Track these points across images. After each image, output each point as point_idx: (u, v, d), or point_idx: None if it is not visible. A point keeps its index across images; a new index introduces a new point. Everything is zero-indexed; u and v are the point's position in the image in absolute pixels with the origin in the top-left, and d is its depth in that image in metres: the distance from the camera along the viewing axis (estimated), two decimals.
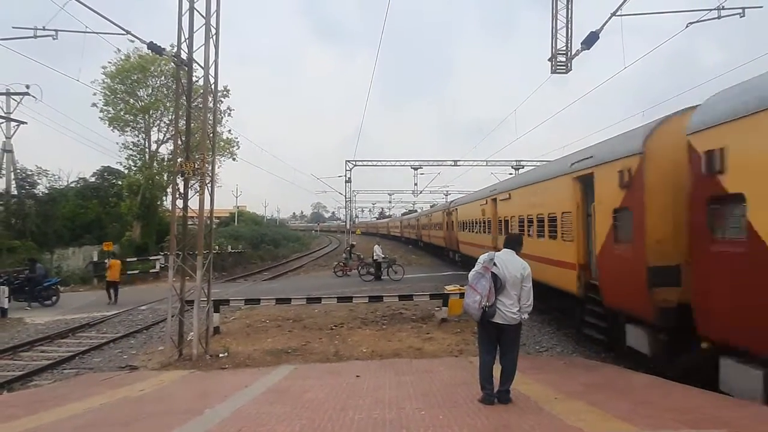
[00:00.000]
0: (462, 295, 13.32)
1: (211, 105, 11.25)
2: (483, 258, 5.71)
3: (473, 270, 5.69)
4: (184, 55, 10.38)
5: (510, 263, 5.60)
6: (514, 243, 5.92)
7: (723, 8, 13.27)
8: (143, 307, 16.98)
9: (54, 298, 18.63)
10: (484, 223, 19.49)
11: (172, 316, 10.22)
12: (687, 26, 13.84)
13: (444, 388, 6.75)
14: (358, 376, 7.75)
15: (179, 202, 10.63)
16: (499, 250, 6.04)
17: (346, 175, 45.17)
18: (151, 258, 28.97)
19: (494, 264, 5.55)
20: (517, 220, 14.79)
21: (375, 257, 24.32)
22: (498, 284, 5.48)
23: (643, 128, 8.01)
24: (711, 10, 13.33)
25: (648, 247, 7.22)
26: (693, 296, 6.44)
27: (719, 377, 5.99)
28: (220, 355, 10.18)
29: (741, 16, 13.57)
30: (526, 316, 5.70)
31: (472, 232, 22.18)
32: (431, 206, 52.07)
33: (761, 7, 13.87)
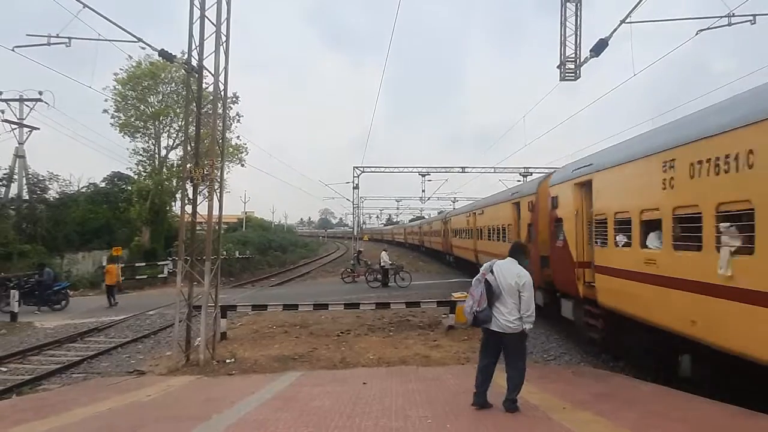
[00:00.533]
0: None
1: (220, 111, 11.34)
2: (484, 266, 5.82)
3: (475, 277, 5.80)
4: (194, 62, 10.48)
5: (507, 271, 5.62)
6: (516, 251, 5.91)
7: (734, 15, 13.20)
8: (151, 312, 17.07)
9: (63, 302, 18.77)
10: (469, 231, 24.47)
11: (180, 322, 10.26)
12: (697, 33, 13.78)
13: (451, 396, 6.72)
14: (364, 383, 7.73)
15: (188, 208, 10.71)
16: (482, 256, 6.87)
17: (353, 182, 45.27)
18: (159, 263, 29.14)
19: (491, 271, 5.64)
20: (487, 229, 20.43)
21: (382, 264, 24.30)
22: (491, 292, 5.53)
23: (536, 180, 15.44)
24: (722, 17, 13.26)
25: (539, 245, 12.55)
26: (552, 272, 11.99)
27: (561, 309, 11.50)
28: (227, 360, 10.20)
29: (752, 23, 13.49)
30: (528, 326, 5.57)
31: (461, 238, 27.11)
32: (438, 212, 52.09)
33: None
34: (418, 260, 41.26)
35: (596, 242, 9.47)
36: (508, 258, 5.82)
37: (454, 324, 12.79)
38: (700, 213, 6.09)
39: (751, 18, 13.42)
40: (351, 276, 26.41)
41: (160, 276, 28.00)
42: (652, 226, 7.41)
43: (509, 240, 15.26)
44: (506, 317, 5.51)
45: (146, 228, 33.52)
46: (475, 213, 23.10)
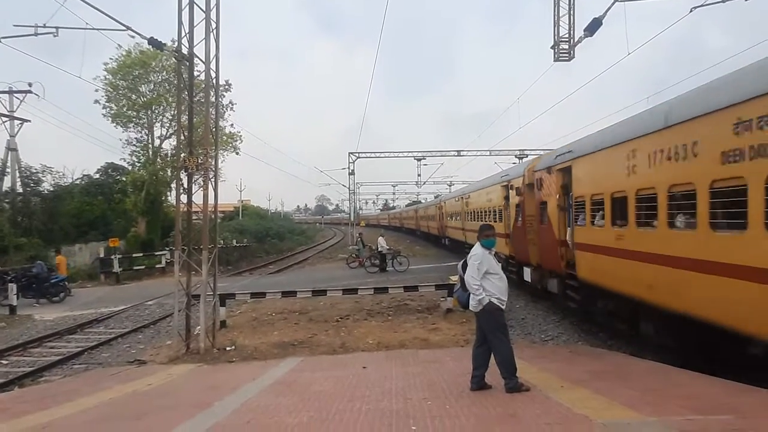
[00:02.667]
0: None
1: (213, 99, 11.25)
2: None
3: None
4: (185, 50, 10.36)
5: (471, 253, 5.95)
6: (479, 233, 6.11)
7: None
8: (150, 302, 17.10)
9: (62, 294, 18.78)
10: (459, 214, 26.62)
11: (179, 311, 10.30)
12: (691, 11, 13.67)
13: (450, 378, 6.78)
14: (364, 367, 7.80)
15: (183, 198, 10.66)
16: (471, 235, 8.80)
17: (349, 167, 45.18)
18: (156, 253, 29.13)
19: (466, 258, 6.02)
20: (476, 211, 22.32)
21: (380, 249, 24.35)
22: (460, 275, 5.98)
23: (524, 163, 17.40)
24: None
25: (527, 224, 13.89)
26: (539, 251, 12.96)
27: (523, 275, 14.10)
28: (227, 348, 10.25)
29: (746, 0, 13.38)
30: (475, 300, 5.67)
31: (453, 220, 29.36)
32: (435, 196, 52.15)
33: None
34: (414, 245, 41.38)
35: (576, 222, 10.34)
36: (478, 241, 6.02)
37: (452, 307, 12.86)
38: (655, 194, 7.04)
39: None
40: (357, 261, 26.38)
41: (157, 266, 28.00)
42: (622, 206, 8.16)
43: (496, 221, 17.53)
44: (473, 297, 5.78)
45: (142, 218, 33.44)
46: (464, 198, 25.32)
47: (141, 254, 28.60)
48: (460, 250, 26.00)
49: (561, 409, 5.02)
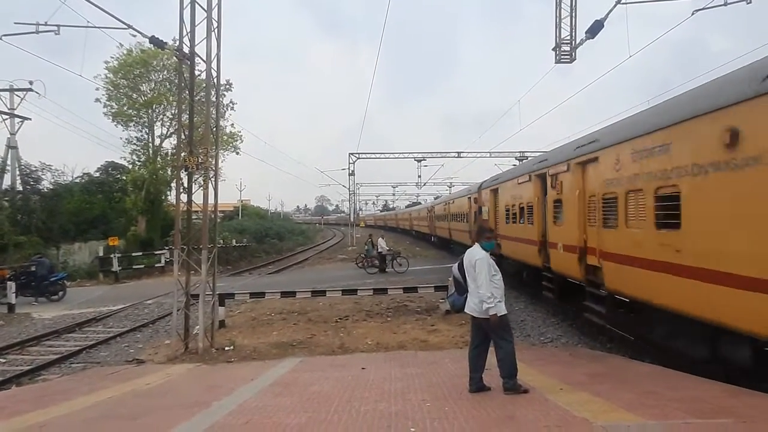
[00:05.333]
0: None
1: (213, 99, 11.23)
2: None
3: None
4: (186, 49, 10.35)
5: (468, 255, 5.82)
6: (476, 234, 6.08)
7: None
8: (149, 302, 17.09)
9: (61, 293, 18.76)
10: (445, 216, 31.87)
11: (178, 310, 10.28)
12: (693, 14, 13.69)
13: (449, 379, 6.77)
14: (363, 368, 7.79)
15: (183, 197, 10.65)
16: (454, 232, 17.55)
17: (349, 168, 45.18)
18: (156, 252, 29.11)
19: (461, 261, 5.90)
20: (455, 215, 27.97)
21: (379, 250, 24.34)
22: (457, 278, 5.91)
23: (480, 183, 21.66)
24: None
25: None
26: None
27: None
28: (226, 348, 10.24)
29: (748, 3, 13.40)
30: (486, 305, 5.46)
31: (441, 221, 34.22)
32: (435, 198, 52.37)
33: None
34: (414, 246, 41.35)
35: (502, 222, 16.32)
36: (475, 243, 5.93)
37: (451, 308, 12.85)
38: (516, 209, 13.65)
39: None
40: (364, 261, 26.14)
41: (157, 265, 27.98)
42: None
43: (467, 221, 24.12)
44: (473, 300, 5.70)
45: (142, 217, 33.41)
46: (448, 203, 31.36)
47: (140, 253, 28.57)
48: (446, 246, 33.03)
49: (560, 412, 5.00)
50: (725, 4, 13.19)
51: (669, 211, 6.53)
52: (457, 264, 6.00)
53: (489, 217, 17.87)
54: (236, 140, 37.38)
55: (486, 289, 5.49)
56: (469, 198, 23.27)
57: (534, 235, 12.59)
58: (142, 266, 27.40)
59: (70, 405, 6.50)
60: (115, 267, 25.19)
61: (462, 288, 5.87)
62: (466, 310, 5.82)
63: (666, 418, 4.62)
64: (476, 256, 5.69)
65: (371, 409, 5.48)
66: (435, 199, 49.10)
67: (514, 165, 36.48)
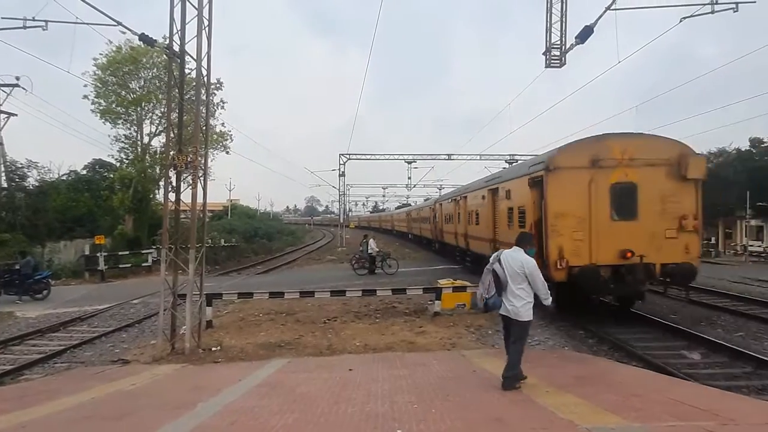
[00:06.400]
0: (454, 289, 13.47)
1: (203, 97, 11.17)
2: (493, 256, 6.28)
3: (486, 267, 6.30)
4: (176, 47, 10.28)
5: (512, 260, 6.00)
6: (521, 241, 6.26)
7: (717, 2, 13.32)
8: (135, 301, 16.92)
9: (45, 291, 18.51)
10: (428, 219, 36.01)
11: (165, 310, 10.19)
12: (681, 21, 13.88)
13: (436, 381, 6.79)
14: (350, 369, 7.77)
15: (171, 196, 10.56)
16: (439, 237, 28.31)
17: (339, 169, 45.14)
18: (143, 251, 28.85)
19: (498, 261, 6.09)
20: (440, 218, 30.45)
21: (369, 251, 24.31)
22: (498, 280, 6.02)
23: (436, 197, 38.46)
24: (705, 4, 13.37)
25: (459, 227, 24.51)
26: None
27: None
28: (213, 348, 10.16)
29: (734, 11, 13.62)
30: (546, 302, 6.02)
31: (421, 224, 40.59)
32: (425, 200, 52.77)
33: (755, 1, 13.93)
34: (403, 247, 41.40)
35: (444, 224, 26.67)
36: (514, 247, 6.18)
37: (439, 310, 12.88)
38: (473, 213, 20.31)
39: (733, 6, 13.54)
40: (359, 262, 25.93)
41: (144, 264, 27.72)
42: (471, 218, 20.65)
43: (430, 222, 34.21)
44: (512, 303, 5.93)
45: (129, 216, 33.10)
46: (434, 207, 34.74)
47: (127, 252, 28.28)
48: (429, 246, 37.68)
49: (546, 414, 5.04)
50: (712, 12, 13.40)
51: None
52: (493, 265, 6.13)
53: (451, 221, 25.99)
54: (226, 139, 37.15)
55: (546, 291, 6.01)
56: (431, 207, 34.11)
57: (487, 234, 17.88)
58: (129, 265, 27.12)
59: (53, 405, 6.42)
60: (101, 266, 24.90)
61: (501, 288, 6.05)
62: (501, 311, 6.07)
63: (650, 421, 4.67)
64: (528, 262, 5.95)
65: (358, 410, 5.48)
66: (416, 204, 57.27)
67: (504, 168, 37.89)
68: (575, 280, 11.17)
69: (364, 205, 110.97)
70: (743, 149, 43.76)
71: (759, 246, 38.56)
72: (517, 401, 5.59)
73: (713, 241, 44.24)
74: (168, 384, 7.87)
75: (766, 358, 8.99)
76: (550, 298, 6.08)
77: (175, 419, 5.41)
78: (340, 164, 44.70)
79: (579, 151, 11.92)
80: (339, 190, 47.66)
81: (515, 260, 5.97)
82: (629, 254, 11.33)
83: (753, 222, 41.02)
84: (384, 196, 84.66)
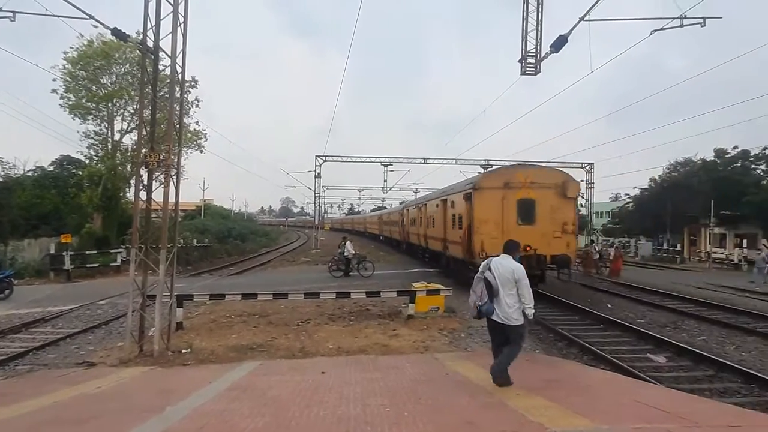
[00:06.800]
0: (428, 292, 13.53)
1: (177, 95, 10.96)
2: (483, 264, 6.45)
3: (476, 275, 6.44)
4: (150, 43, 10.07)
5: (502, 267, 6.23)
6: (509, 248, 6.51)
7: (686, 17, 13.75)
8: (102, 302, 16.48)
9: (7, 291, 17.87)
10: (397, 222, 39.31)
11: (133, 311, 9.95)
12: (651, 33, 14.29)
13: (409, 384, 6.79)
14: (323, 372, 7.72)
15: (143, 194, 10.33)
16: (406, 238, 33.24)
17: (315, 170, 44.90)
18: (112, 251, 28.15)
19: (489, 269, 6.28)
20: (406, 222, 33.60)
21: (345, 253, 24.23)
22: (490, 287, 6.18)
23: (402, 205, 42.11)
24: (674, 18, 13.80)
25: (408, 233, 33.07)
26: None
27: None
28: (183, 351, 9.97)
29: (702, 26, 14.08)
30: (529, 311, 6.14)
31: (390, 226, 44.52)
32: (400, 203, 53.09)
33: (721, 17, 14.44)
34: (378, 250, 41.41)
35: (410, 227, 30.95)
36: (503, 254, 6.42)
37: (413, 313, 12.92)
38: (431, 218, 24.52)
39: (701, 21, 14.00)
40: (338, 265, 25.66)
41: (112, 264, 27.03)
42: (430, 222, 24.88)
43: (399, 225, 37.35)
44: (505, 309, 6.14)
45: (98, 214, 32.25)
46: (402, 211, 37.72)
47: (95, 251, 27.54)
48: (398, 246, 40.78)
49: (516, 417, 5.09)
50: (681, 26, 13.82)
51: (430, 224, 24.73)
52: (484, 272, 6.30)
53: (415, 224, 29.97)
54: (200, 138, 36.57)
55: (531, 298, 6.16)
56: (401, 212, 37.83)
57: (440, 234, 22.24)
58: (97, 265, 26.41)
59: (13, 409, 6.19)
60: (68, 265, 24.17)
61: (493, 295, 6.20)
62: (493, 317, 6.22)
63: (617, 423, 4.77)
64: (518, 267, 6.19)
65: (330, 413, 5.44)
66: (390, 207, 60.16)
67: (478, 173, 39.15)
68: None
69: (339, 207, 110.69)
70: (708, 159, 45.25)
71: (722, 253, 39.88)
72: (488, 404, 5.63)
73: (679, 248, 45.61)
74: (135, 387, 7.67)
75: (727, 362, 9.31)
76: (533, 308, 6.22)
77: (142, 423, 5.28)
78: (316, 166, 44.45)
79: (496, 177, 17.58)
80: (314, 191, 47.37)
81: (505, 267, 6.19)
82: (528, 248, 15.94)
83: (717, 230, 42.43)
84: (360, 198, 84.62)
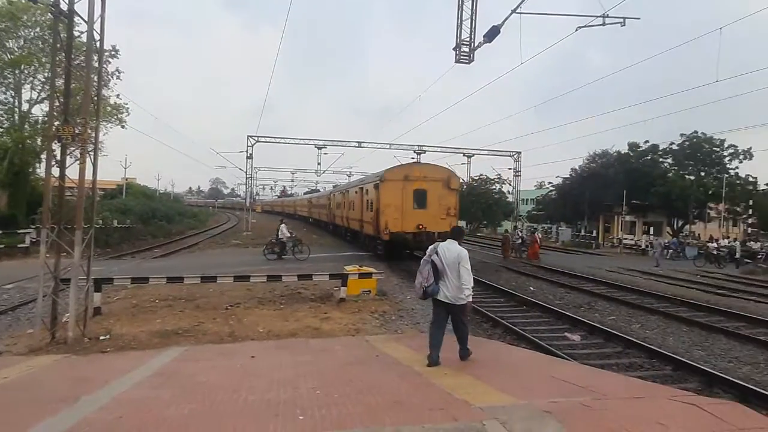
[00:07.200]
0: (360, 275, 13.64)
1: (95, 65, 10.18)
2: (429, 248, 6.77)
3: (423, 257, 6.74)
4: (64, 6, 9.26)
5: (449, 251, 6.60)
6: (455, 234, 6.99)
7: (608, 16, 14.54)
8: (9, 286, 15.20)
9: None
10: (325, 205, 42.96)
11: (45, 296, 9.27)
12: (576, 30, 14.99)
13: (340, 367, 6.84)
14: (253, 356, 7.60)
15: (55, 171, 9.57)
16: (332, 219, 37.07)
17: (247, 151, 43.61)
18: (19, 231, 25.97)
19: (436, 253, 6.61)
20: (333, 205, 37.56)
21: (281, 236, 23.83)
22: (436, 269, 6.53)
23: (329, 190, 46.62)
24: (597, 16, 14.56)
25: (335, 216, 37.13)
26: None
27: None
28: (101, 337, 9.43)
29: (622, 25, 14.96)
30: (467, 292, 6.47)
31: (319, 209, 48.06)
32: (334, 186, 52.99)
33: (639, 18, 15.41)
34: (311, 233, 41.08)
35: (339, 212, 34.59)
36: (449, 240, 6.79)
37: (345, 296, 12.98)
38: (352, 203, 28.93)
39: (621, 20, 14.87)
40: (270, 247, 24.98)
41: (20, 246, 24.94)
42: (351, 206, 29.34)
43: (326, 208, 41.10)
44: (451, 290, 6.50)
45: (3, 191, 29.56)
46: (330, 196, 41.43)
47: (0, 232, 25.29)
48: (326, 227, 43.45)
49: (443, 395, 5.28)
50: (603, 24, 14.61)
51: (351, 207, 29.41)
52: (431, 255, 6.60)
53: (339, 208, 33.95)
54: (121, 112, 34.23)
55: (470, 281, 6.50)
56: (328, 197, 42.09)
57: (358, 216, 26.84)
58: (2, 246, 24.26)
59: None
60: None
61: (438, 277, 6.55)
62: (439, 297, 6.56)
63: (535, 398, 5.07)
64: (462, 251, 6.56)
65: (259, 398, 5.38)
66: (323, 191, 61.46)
67: (412, 158, 40.17)
68: (393, 239, 21.85)
69: (272, 189, 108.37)
70: (623, 152, 48.52)
71: (632, 239, 43.15)
72: (416, 384, 5.80)
73: (594, 234, 48.79)
74: (46, 376, 7.18)
75: (633, 339, 10.16)
76: (471, 290, 6.54)
77: (53, 415, 4.95)
78: (248, 146, 43.17)
79: (398, 172, 22.89)
80: (246, 172, 46.04)
81: (451, 252, 6.56)
82: (421, 226, 21.75)
83: (628, 218, 45.78)
84: (293, 181, 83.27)
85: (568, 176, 52.95)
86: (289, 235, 24.39)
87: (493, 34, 14.46)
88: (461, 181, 22.29)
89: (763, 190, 43.50)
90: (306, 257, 23.17)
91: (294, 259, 22.96)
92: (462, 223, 42.20)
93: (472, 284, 6.59)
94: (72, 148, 9.61)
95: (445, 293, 6.54)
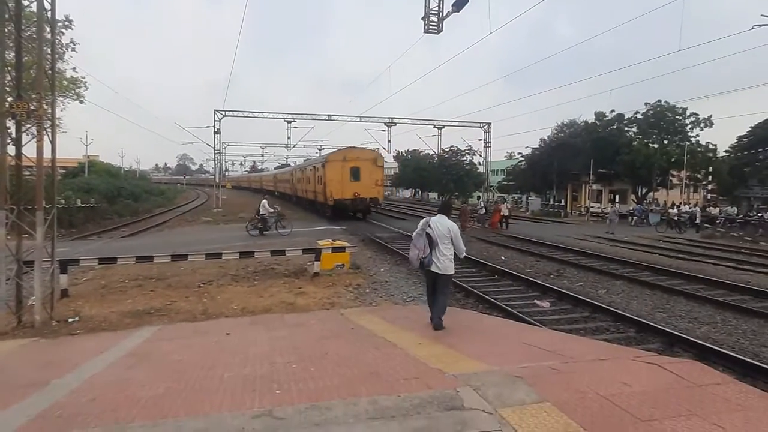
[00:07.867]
0: (333, 249, 13.65)
1: (48, 36, 9.66)
2: (422, 222, 7.19)
3: (415, 231, 7.18)
4: None
5: (440, 225, 7.05)
6: (444, 209, 7.45)
7: None
8: None
9: None
10: (289, 180, 50.44)
11: (7, 280, 8.98)
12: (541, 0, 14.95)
13: (315, 340, 6.89)
14: (228, 333, 7.57)
15: (11, 149, 9.15)
16: (294, 193, 46.42)
17: (214, 126, 42.59)
18: None
19: (429, 226, 7.03)
20: (295, 180, 46.29)
21: (262, 212, 23.61)
22: (431, 241, 6.96)
23: (291, 167, 59.66)
24: None
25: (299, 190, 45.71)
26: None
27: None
28: (70, 320, 9.24)
29: None
30: (461, 253, 7.21)
31: (284, 183, 54.62)
32: (305, 160, 52.67)
33: None
34: (288, 208, 40.76)
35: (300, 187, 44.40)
36: (439, 215, 7.25)
37: (319, 271, 13.00)
38: (308, 178, 39.19)
39: None
40: (252, 222, 24.44)
41: None
42: (308, 180, 39.01)
43: (290, 183, 49.66)
44: (441, 261, 6.96)
45: None
46: (292, 172, 49.16)
47: None
48: (289, 199, 49.91)
49: (418, 365, 5.39)
50: None
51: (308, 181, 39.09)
52: (424, 228, 7.03)
53: (300, 182, 42.20)
54: (79, 87, 32.72)
55: (462, 248, 7.19)
56: (290, 173, 50.30)
57: (313, 189, 35.95)
58: None
59: None
60: None
61: (431, 248, 6.98)
62: (431, 268, 6.98)
63: (506, 365, 5.22)
64: (453, 225, 7.13)
65: (235, 374, 5.38)
66: (291, 165, 67.28)
67: (382, 130, 40.96)
68: (336, 204, 30.95)
69: (241, 164, 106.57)
70: (590, 121, 49.27)
71: (598, 207, 44.26)
72: (391, 354, 5.89)
73: (563, 203, 49.83)
74: (13, 361, 7.02)
75: (599, 304, 10.52)
76: (464, 252, 7.32)
77: (22, 400, 4.84)
78: (215, 121, 42.11)
79: (338, 154, 32.64)
80: (214, 148, 45.04)
81: (442, 225, 7.04)
82: (356, 194, 31.01)
83: (595, 186, 46.83)
84: (263, 155, 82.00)
85: (537, 146, 53.61)
86: (271, 210, 24.17)
87: (461, 3, 14.30)
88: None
89: (722, 157, 44.97)
90: (289, 231, 23.04)
91: (278, 234, 22.80)
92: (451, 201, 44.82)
93: (464, 248, 7.27)
94: (28, 125, 9.17)
95: (437, 264, 6.96)
